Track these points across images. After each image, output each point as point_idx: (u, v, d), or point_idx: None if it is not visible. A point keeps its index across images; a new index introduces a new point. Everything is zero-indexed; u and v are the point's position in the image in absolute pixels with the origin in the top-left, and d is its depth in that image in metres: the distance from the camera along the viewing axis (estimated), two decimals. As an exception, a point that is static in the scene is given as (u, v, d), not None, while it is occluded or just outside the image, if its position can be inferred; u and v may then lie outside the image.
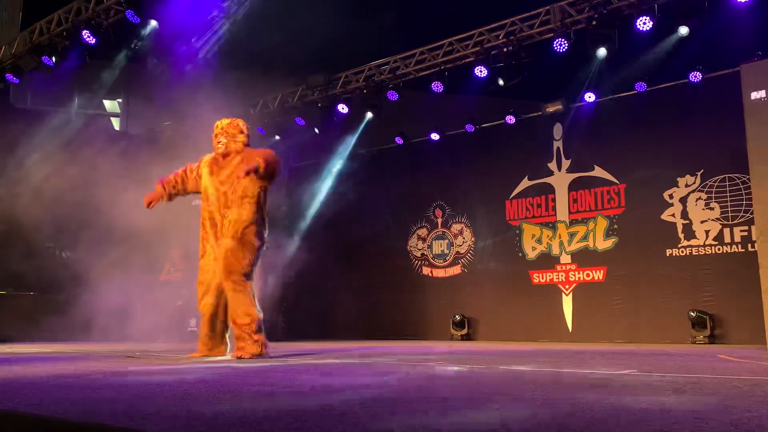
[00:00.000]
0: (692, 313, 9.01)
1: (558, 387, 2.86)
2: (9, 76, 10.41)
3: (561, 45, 8.73)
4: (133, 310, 9.33)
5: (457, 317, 11.27)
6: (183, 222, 11.57)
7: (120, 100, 18.44)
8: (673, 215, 9.74)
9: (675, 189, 9.75)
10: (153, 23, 9.13)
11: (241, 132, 5.57)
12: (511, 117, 11.01)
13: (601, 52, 8.83)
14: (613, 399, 2.37)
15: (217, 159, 5.52)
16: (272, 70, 10.21)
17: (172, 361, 4.75)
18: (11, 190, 9.70)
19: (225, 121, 5.56)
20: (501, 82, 9.00)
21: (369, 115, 11.37)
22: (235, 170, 5.27)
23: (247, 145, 5.57)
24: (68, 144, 10.52)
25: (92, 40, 9.22)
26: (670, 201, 9.78)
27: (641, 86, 9.86)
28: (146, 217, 10.30)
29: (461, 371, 3.83)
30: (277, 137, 12.41)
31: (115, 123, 18.47)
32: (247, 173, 5.02)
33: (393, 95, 10.48)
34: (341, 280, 12.59)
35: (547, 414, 2.00)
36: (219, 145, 5.46)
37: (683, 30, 8.30)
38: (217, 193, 5.36)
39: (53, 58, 9.66)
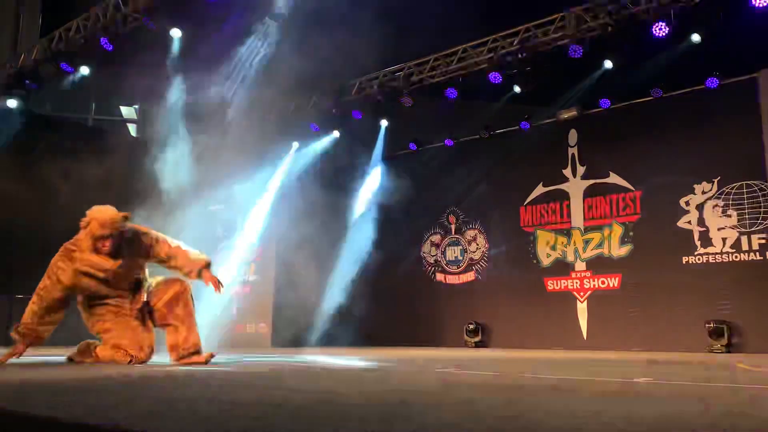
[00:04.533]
0: (709, 325, 8.90)
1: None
2: (28, 83, 10.54)
3: (576, 51, 8.69)
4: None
5: (471, 325, 11.22)
6: (196, 227, 11.66)
7: (136, 106, 18.63)
8: (689, 222, 9.65)
9: (691, 196, 9.66)
10: (175, 32, 9.23)
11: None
12: (526, 123, 10.98)
13: (607, 63, 8.84)
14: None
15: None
16: (287, 78, 10.25)
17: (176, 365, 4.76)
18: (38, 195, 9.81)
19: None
20: (517, 89, 8.97)
21: (384, 122, 11.41)
22: None
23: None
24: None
25: (109, 47, 9.31)
26: (687, 208, 9.69)
27: (657, 92, 9.80)
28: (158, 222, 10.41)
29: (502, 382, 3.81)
30: (296, 143, 12.48)
31: (132, 129, 18.65)
32: None
33: (407, 101, 10.49)
34: (353, 286, 12.57)
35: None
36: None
37: (697, 37, 8.26)
38: None
39: (71, 65, 9.77)
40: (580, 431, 1.80)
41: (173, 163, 10.87)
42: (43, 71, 10.18)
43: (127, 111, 19.38)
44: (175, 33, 9.28)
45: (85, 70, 10.14)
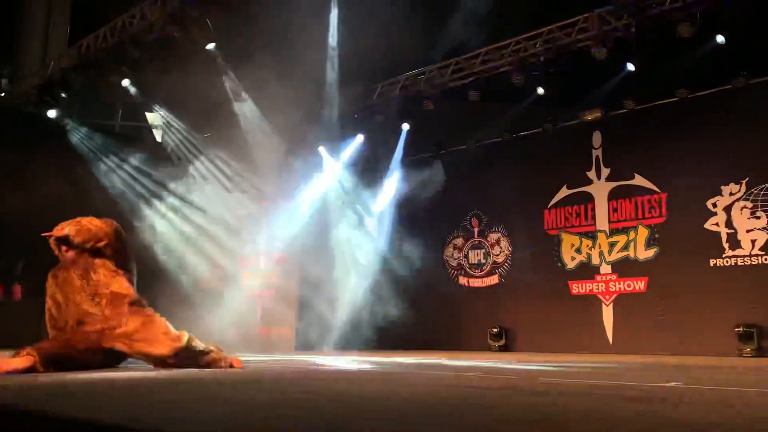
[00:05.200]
0: (739, 328, 8.75)
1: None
2: (58, 91, 10.75)
3: (599, 53, 8.63)
4: (175, 317, 9.48)
5: (495, 329, 11.17)
6: (224, 229, 11.79)
7: (162, 112, 18.88)
8: (717, 224, 9.50)
9: (719, 198, 9.51)
10: (210, 46, 9.39)
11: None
12: (549, 125, 10.91)
13: (630, 66, 8.77)
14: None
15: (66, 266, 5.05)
16: (312, 82, 10.32)
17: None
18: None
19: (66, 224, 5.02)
20: (541, 91, 8.93)
21: (406, 126, 11.43)
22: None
23: None
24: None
25: (136, 55, 9.47)
26: (714, 210, 9.55)
27: (683, 92, 9.68)
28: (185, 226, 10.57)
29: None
30: (321, 149, 12.54)
31: (157, 135, 18.90)
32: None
33: (429, 105, 10.50)
34: (376, 290, 12.59)
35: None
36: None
37: (722, 38, 8.16)
38: None
39: (100, 72, 9.95)
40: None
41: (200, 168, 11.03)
42: (72, 78, 10.39)
43: (152, 117, 19.64)
44: (210, 46, 9.43)
45: (112, 77, 10.34)
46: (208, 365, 4.63)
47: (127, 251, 4.95)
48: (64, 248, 4.79)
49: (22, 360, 4.01)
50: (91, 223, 4.86)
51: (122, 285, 4.73)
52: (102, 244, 4.80)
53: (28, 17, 14.82)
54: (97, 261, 4.77)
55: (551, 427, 1.93)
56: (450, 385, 3.49)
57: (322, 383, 3.53)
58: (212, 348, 4.82)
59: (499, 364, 6.02)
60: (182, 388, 3.14)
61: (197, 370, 4.46)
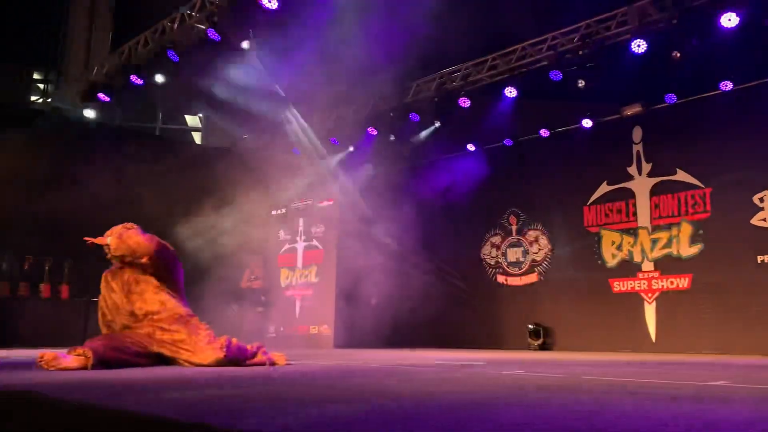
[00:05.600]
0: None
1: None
2: (101, 96, 11.04)
3: (639, 45, 8.46)
4: (216, 316, 9.65)
5: (531, 326, 11.07)
6: (262, 230, 11.95)
7: (201, 115, 19.23)
8: (764, 220, 9.23)
9: (765, 192, 9.24)
10: (245, 44, 9.49)
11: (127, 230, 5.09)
12: (588, 121, 10.75)
13: (676, 54, 8.54)
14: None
15: (115, 270, 5.10)
16: (347, 81, 10.38)
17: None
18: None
19: (117, 229, 5.09)
20: (581, 83, 8.79)
21: (439, 123, 11.40)
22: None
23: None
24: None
25: (176, 59, 9.66)
26: (761, 205, 9.28)
27: (726, 85, 9.43)
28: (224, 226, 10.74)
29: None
30: (351, 148, 12.62)
31: (197, 137, 19.25)
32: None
33: (465, 102, 10.45)
34: (414, 289, 12.59)
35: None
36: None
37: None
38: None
39: (141, 77, 10.18)
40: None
41: (237, 169, 11.19)
42: (115, 83, 10.65)
43: (192, 120, 20.02)
44: (246, 45, 9.52)
45: (153, 81, 10.56)
46: (250, 366, 4.70)
47: (171, 266, 4.99)
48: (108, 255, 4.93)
49: (77, 360, 4.15)
50: (132, 239, 4.93)
51: (162, 300, 4.81)
52: (142, 261, 4.89)
53: (72, 25, 15.26)
54: (140, 275, 4.88)
55: (599, 427, 1.91)
56: (496, 383, 3.47)
57: (366, 380, 3.56)
58: (255, 351, 4.89)
59: (540, 360, 5.96)
60: (240, 384, 3.19)
61: (246, 368, 4.54)
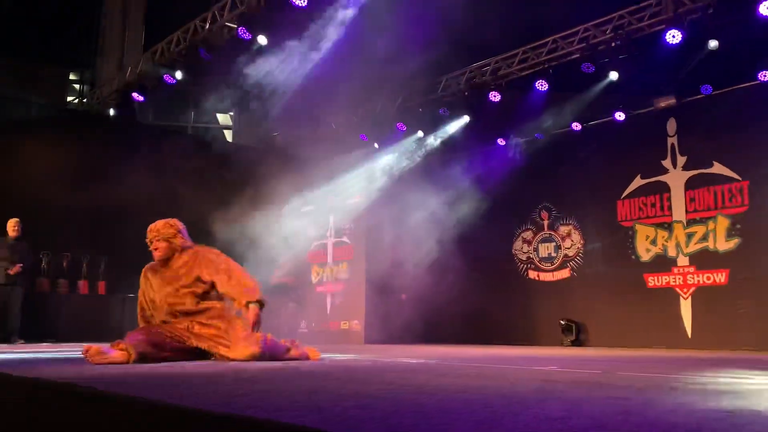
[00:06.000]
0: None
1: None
2: (134, 96, 11.24)
3: (674, 36, 8.31)
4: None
5: (563, 322, 10.97)
6: (292, 226, 12.04)
7: (232, 113, 19.45)
8: (804, 213, 9.00)
9: (806, 185, 9.01)
10: (261, 39, 9.55)
11: (178, 232, 5.02)
12: (621, 113, 10.59)
13: (713, 44, 8.34)
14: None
15: (155, 267, 5.05)
16: (376, 76, 10.40)
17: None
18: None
19: (159, 224, 5.02)
20: (615, 75, 8.67)
21: (468, 118, 11.35)
22: (183, 279, 4.88)
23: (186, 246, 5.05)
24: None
25: (208, 57, 9.78)
26: (801, 198, 9.05)
27: (765, 75, 9.20)
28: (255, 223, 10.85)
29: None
30: (376, 145, 12.65)
31: (228, 135, 19.48)
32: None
33: (495, 96, 10.38)
34: (445, 284, 12.57)
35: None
36: (156, 251, 4.97)
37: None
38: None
39: (173, 76, 10.33)
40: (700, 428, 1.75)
41: (268, 166, 11.29)
42: (148, 83, 10.83)
43: (223, 118, 20.26)
44: (262, 40, 9.58)
45: (184, 80, 10.72)
46: (285, 360, 4.74)
47: (212, 265, 5.01)
48: (153, 249, 4.97)
49: (120, 354, 4.25)
50: (175, 240, 4.97)
51: (204, 299, 4.86)
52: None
53: (105, 26, 15.55)
54: (182, 271, 4.93)
55: (637, 423, 1.89)
56: (530, 378, 3.46)
57: (399, 375, 3.57)
58: (289, 346, 4.93)
59: (573, 356, 5.91)
60: (275, 378, 3.23)
61: (280, 363, 4.59)
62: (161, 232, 4.94)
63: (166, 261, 4.95)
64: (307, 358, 4.96)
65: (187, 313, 4.79)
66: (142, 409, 2.02)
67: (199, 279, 4.85)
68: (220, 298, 4.93)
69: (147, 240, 4.99)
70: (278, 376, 3.34)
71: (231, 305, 4.92)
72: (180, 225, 5.07)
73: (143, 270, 5.08)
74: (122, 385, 2.76)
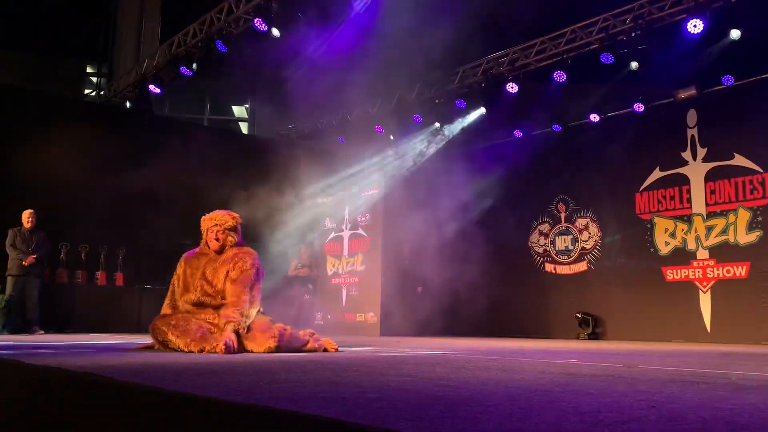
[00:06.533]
0: None
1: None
2: (151, 88, 11.26)
3: (695, 26, 8.17)
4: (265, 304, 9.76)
5: (580, 315, 10.89)
6: (308, 218, 12.05)
7: (247, 106, 19.49)
8: (828, 205, 8.85)
9: (830, 177, 8.85)
10: (275, 32, 9.51)
11: (239, 225, 5.08)
12: (640, 105, 10.46)
13: (734, 33, 8.19)
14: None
15: (202, 254, 5.04)
16: (391, 68, 10.34)
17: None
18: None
19: (224, 214, 5.03)
20: (635, 65, 8.54)
21: (484, 110, 11.26)
22: (224, 271, 4.88)
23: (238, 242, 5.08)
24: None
25: (224, 49, 9.77)
26: (825, 190, 8.89)
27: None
28: (271, 215, 10.86)
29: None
30: (392, 137, 12.60)
31: (243, 127, 19.52)
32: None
33: (513, 87, 10.29)
34: (460, 277, 12.52)
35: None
36: (215, 241, 4.95)
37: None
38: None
39: (190, 68, 10.34)
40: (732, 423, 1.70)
41: (284, 158, 11.29)
42: (165, 75, 10.84)
43: (238, 111, 20.32)
44: (275, 33, 9.54)
45: (201, 72, 10.73)
46: (303, 352, 4.74)
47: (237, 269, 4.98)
48: (210, 238, 4.96)
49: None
50: (234, 233, 5.02)
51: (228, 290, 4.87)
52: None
53: (122, 18, 15.60)
54: (218, 265, 4.94)
55: (663, 418, 1.85)
56: (553, 371, 3.42)
57: (418, 367, 3.55)
58: (307, 338, 4.93)
59: (592, 349, 5.85)
60: (293, 370, 3.22)
61: (299, 355, 4.59)
62: (228, 223, 4.95)
63: (220, 252, 4.96)
64: (325, 350, 4.95)
65: (215, 306, 4.82)
66: (156, 399, 2.01)
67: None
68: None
69: (207, 227, 4.96)
70: (296, 369, 3.33)
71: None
72: (240, 219, 5.09)
73: (183, 256, 5.09)
74: (140, 375, 2.76)
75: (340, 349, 5.22)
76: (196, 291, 4.83)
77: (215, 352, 4.36)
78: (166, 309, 4.96)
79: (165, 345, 4.54)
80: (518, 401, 2.07)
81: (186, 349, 4.44)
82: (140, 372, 2.90)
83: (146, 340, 5.17)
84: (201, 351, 4.41)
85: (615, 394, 2.38)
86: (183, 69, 10.52)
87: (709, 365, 4.20)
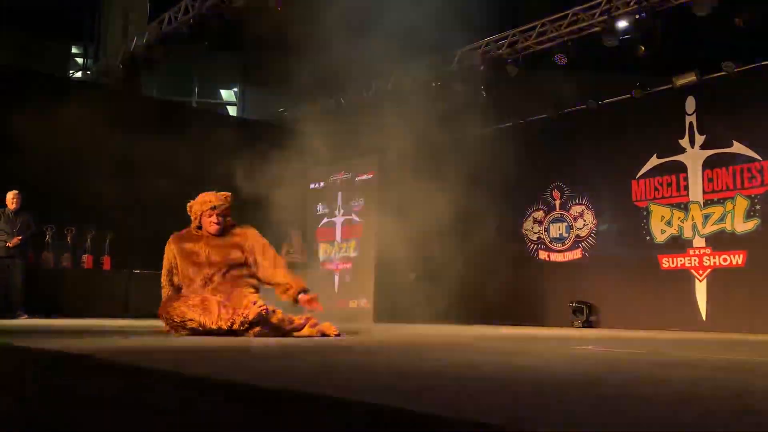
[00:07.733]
0: None
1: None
2: (139, 68, 10.98)
3: (701, 8, 8.03)
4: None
5: (574, 303, 10.82)
6: (300, 203, 11.85)
7: (236, 90, 19.19)
8: (827, 194, 8.79)
9: (830, 165, 8.79)
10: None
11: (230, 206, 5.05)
12: (638, 90, 10.32)
13: (733, 24, 8.09)
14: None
15: (194, 236, 4.97)
16: (388, 50, 10.12)
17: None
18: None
19: (226, 196, 5.03)
20: (642, 50, 8.40)
21: (483, 93, 11.09)
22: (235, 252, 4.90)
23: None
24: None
25: (216, 27, 9.51)
26: (824, 178, 8.83)
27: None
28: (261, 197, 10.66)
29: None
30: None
31: (232, 110, 19.23)
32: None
33: (513, 70, 10.12)
34: (453, 264, 12.39)
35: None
36: (215, 225, 4.93)
37: None
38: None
39: (180, 47, 10.07)
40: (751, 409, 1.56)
41: (274, 142, 11.06)
42: (154, 54, 10.56)
43: (226, 94, 20.00)
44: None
45: (190, 52, 10.46)
46: (289, 333, 4.60)
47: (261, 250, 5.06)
48: (208, 222, 4.90)
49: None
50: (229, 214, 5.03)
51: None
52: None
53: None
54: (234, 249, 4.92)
55: (685, 400, 1.71)
56: (573, 358, 3.28)
57: (431, 354, 3.40)
58: (304, 322, 4.78)
59: (594, 337, 5.75)
60: (293, 354, 3.06)
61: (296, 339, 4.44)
62: (224, 205, 4.93)
63: (221, 233, 4.94)
64: (324, 334, 4.79)
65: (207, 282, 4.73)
66: (155, 378, 1.85)
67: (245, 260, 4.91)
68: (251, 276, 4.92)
69: (208, 208, 4.87)
70: (295, 353, 3.16)
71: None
72: (231, 197, 5.07)
73: (173, 237, 5.00)
74: (150, 357, 2.59)
75: (340, 334, 5.05)
76: (206, 273, 4.77)
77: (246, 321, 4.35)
78: (169, 291, 4.83)
79: (183, 327, 4.41)
80: (566, 390, 1.92)
81: (214, 326, 4.33)
82: (152, 351, 2.73)
83: (137, 324, 5.01)
84: (231, 326, 4.33)
85: (697, 383, 2.22)
86: (172, 48, 10.25)
87: (722, 352, 4.09)
